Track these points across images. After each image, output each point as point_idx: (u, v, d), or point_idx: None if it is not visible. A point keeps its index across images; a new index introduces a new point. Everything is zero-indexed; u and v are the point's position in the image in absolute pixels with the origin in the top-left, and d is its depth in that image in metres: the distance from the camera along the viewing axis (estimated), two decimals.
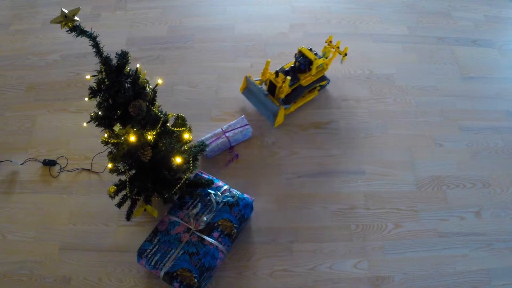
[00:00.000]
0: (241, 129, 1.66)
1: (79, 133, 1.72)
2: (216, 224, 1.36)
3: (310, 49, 1.67)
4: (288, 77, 1.57)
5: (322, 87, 1.83)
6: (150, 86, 1.13)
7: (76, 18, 0.91)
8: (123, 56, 1.02)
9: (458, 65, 1.96)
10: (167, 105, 1.80)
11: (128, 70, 1.05)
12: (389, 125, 1.76)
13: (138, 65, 1.08)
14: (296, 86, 1.68)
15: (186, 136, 1.29)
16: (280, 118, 1.69)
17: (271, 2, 2.19)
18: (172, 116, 1.26)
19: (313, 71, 1.66)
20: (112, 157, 1.18)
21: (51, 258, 1.44)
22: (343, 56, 1.70)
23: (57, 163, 1.64)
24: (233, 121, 1.69)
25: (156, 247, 1.32)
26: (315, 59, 1.62)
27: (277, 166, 1.64)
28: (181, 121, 1.30)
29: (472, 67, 1.96)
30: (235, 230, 1.36)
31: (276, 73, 1.64)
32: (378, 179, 1.62)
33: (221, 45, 2.01)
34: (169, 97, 1.83)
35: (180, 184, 1.30)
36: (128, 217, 1.36)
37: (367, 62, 1.96)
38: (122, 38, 2.04)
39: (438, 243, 1.48)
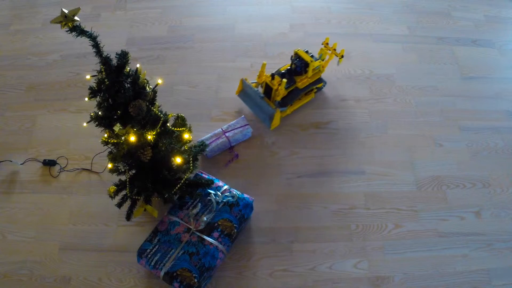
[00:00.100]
0: (241, 129, 1.66)
1: (79, 133, 1.72)
2: (216, 224, 1.36)
3: (306, 51, 1.67)
4: (284, 80, 1.57)
5: (319, 89, 1.82)
6: (150, 86, 1.13)
7: (76, 18, 0.91)
8: (123, 56, 1.02)
9: (458, 65, 1.96)
10: (167, 105, 1.80)
11: (128, 70, 1.05)
12: (389, 125, 1.76)
13: (138, 65, 1.08)
14: (292, 89, 1.68)
15: (186, 136, 1.29)
16: (276, 121, 1.69)
17: (271, 2, 2.19)
18: (172, 116, 1.26)
19: (310, 73, 1.66)
20: (112, 157, 1.18)
21: (51, 258, 1.44)
22: (340, 58, 1.69)
23: (57, 163, 1.65)
24: (233, 121, 1.69)
25: (156, 247, 1.32)
26: (312, 61, 1.62)
27: (277, 166, 1.64)
28: (181, 121, 1.30)
29: (472, 67, 1.96)
30: (235, 230, 1.36)
31: (272, 75, 1.63)
32: (378, 179, 1.62)
33: (221, 45, 2.01)
34: (169, 97, 1.83)
35: (180, 184, 1.30)
36: (128, 217, 1.36)
37: (367, 62, 1.96)
38: (122, 38, 2.04)
39: (438, 243, 1.48)
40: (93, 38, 0.94)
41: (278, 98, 1.64)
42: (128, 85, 1.04)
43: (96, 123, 1.09)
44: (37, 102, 1.82)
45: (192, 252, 1.30)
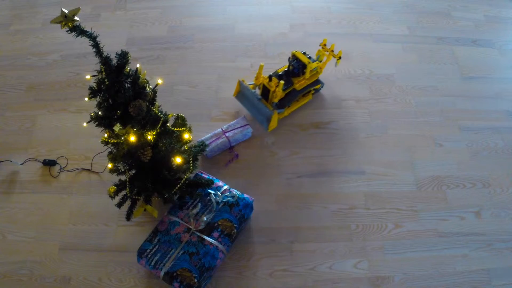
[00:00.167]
0: (241, 129, 1.66)
1: (79, 133, 1.72)
2: (216, 224, 1.36)
3: (304, 53, 1.66)
4: (282, 81, 1.56)
5: (317, 90, 1.82)
6: (150, 86, 1.13)
7: (76, 18, 0.91)
8: (123, 56, 1.02)
9: (458, 65, 1.96)
10: (167, 105, 1.80)
11: (128, 70, 1.05)
12: (389, 125, 1.76)
13: (138, 65, 1.08)
14: (290, 90, 1.67)
15: (186, 136, 1.29)
16: (273, 123, 1.68)
17: (271, 2, 2.19)
18: (172, 116, 1.26)
19: (307, 75, 1.65)
20: (112, 157, 1.18)
21: (51, 258, 1.44)
22: (338, 60, 1.69)
23: (57, 163, 1.65)
24: (233, 121, 1.69)
25: (156, 247, 1.32)
26: (309, 62, 1.61)
27: (277, 166, 1.64)
28: (181, 121, 1.30)
29: (472, 67, 1.96)
30: (235, 230, 1.36)
31: (270, 77, 1.63)
32: (378, 179, 1.62)
33: (221, 45, 2.01)
34: (169, 97, 1.83)
35: (180, 184, 1.30)
36: (128, 217, 1.36)
37: (367, 62, 1.96)
38: (122, 38, 2.04)
39: (438, 243, 1.48)
40: (93, 38, 0.94)
41: (276, 100, 1.63)
42: (128, 85, 1.04)
43: (96, 123, 1.09)
44: (37, 102, 1.82)
45: (192, 252, 1.30)
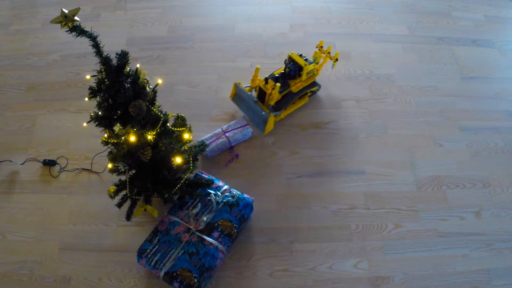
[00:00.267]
0: (241, 129, 1.66)
1: (79, 133, 1.72)
2: (216, 224, 1.36)
3: (300, 55, 1.66)
4: (278, 84, 1.55)
5: (313, 93, 1.81)
6: (150, 86, 1.13)
7: (76, 18, 0.91)
8: (123, 56, 1.02)
9: (458, 65, 1.96)
10: (167, 105, 1.80)
11: (128, 70, 1.05)
12: (389, 125, 1.76)
13: (138, 65, 1.08)
14: (286, 93, 1.67)
15: (186, 136, 1.29)
16: (270, 125, 1.67)
17: (271, 2, 2.19)
18: (172, 116, 1.26)
19: (304, 77, 1.64)
20: (112, 157, 1.18)
21: (51, 258, 1.44)
22: (334, 62, 1.68)
23: (57, 163, 1.65)
24: (233, 121, 1.69)
25: (156, 247, 1.32)
26: (305, 65, 1.60)
27: (277, 166, 1.64)
28: (181, 121, 1.30)
29: (472, 67, 1.96)
30: (235, 230, 1.36)
31: (266, 79, 1.62)
32: (378, 179, 1.62)
33: (221, 45, 2.01)
34: (169, 97, 1.83)
35: (180, 184, 1.30)
36: (128, 217, 1.36)
37: (367, 62, 1.96)
38: (122, 38, 2.04)
39: (438, 243, 1.48)
40: (93, 38, 0.94)
41: (272, 102, 1.63)
42: (128, 85, 1.04)
43: (96, 123, 1.09)
44: (37, 102, 1.82)
45: (192, 252, 1.30)
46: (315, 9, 2.17)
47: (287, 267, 1.42)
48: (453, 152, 1.69)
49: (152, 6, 2.17)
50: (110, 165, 1.22)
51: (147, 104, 1.10)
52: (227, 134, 1.64)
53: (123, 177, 1.29)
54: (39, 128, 1.74)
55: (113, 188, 1.28)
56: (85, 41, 2.03)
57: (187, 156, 1.31)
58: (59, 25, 2.09)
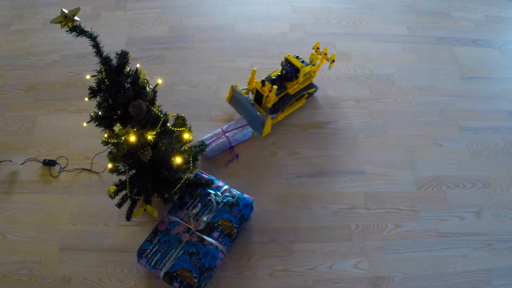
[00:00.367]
0: (241, 129, 1.66)
1: (79, 133, 1.72)
2: (216, 224, 1.36)
3: (297, 57, 1.65)
4: (275, 86, 1.54)
5: (310, 94, 1.81)
6: (150, 86, 1.13)
7: (76, 18, 0.91)
8: (123, 56, 1.02)
9: (458, 65, 1.96)
10: (167, 105, 1.80)
11: (128, 70, 1.05)
12: (389, 125, 1.76)
13: (138, 65, 1.08)
14: (283, 95, 1.66)
15: (186, 136, 1.29)
16: (267, 128, 1.67)
17: (271, 2, 2.19)
18: (172, 116, 1.26)
19: (300, 79, 1.64)
20: (112, 157, 1.18)
21: (51, 258, 1.44)
22: (331, 63, 1.68)
23: (57, 163, 1.65)
24: (233, 121, 1.69)
25: (156, 247, 1.32)
26: (302, 66, 1.60)
27: (277, 166, 1.64)
28: (181, 121, 1.30)
29: (472, 67, 1.96)
30: (235, 230, 1.36)
31: (263, 82, 1.62)
32: (378, 179, 1.62)
33: (221, 45, 2.01)
34: (169, 97, 1.83)
35: (180, 184, 1.30)
36: (128, 217, 1.36)
37: (367, 62, 1.96)
38: (122, 38, 2.04)
39: (438, 243, 1.48)
40: (93, 38, 0.94)
41: (269, 105, 1.62)
42: (128, 85, 1.04)
43: (96, 123, 1.09)
44: (37, 102, 1.82)
45: (192, 252, 1.30)
46: (315, 9, 2.17)
47: (287, 267, 1.42)
48: (453, 152, 1.69)
49: (152, 6, 2.17)
50: (110, 165, 1.22)
51: (147, 104, 1.10)
52: (227, 134, 1.64)
53: (123, 177, 1.29)
54: (39, 128, 1.74)
55: (113, 188, 1.28)
56: (85, 41, 2.03)
57: (187, 156, 1.31)
58: (59, 25, 2.09)
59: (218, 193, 1.42)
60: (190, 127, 1.32)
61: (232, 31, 2.06)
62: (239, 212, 1.39)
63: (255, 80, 1.66)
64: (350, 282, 1.39)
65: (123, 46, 2.01)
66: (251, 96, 1.75)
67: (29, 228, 1.50)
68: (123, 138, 1.11)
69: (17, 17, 2.15)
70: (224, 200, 1.41)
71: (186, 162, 1.31)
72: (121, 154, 1.16)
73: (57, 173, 1.62)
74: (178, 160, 1.25)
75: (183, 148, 1.31)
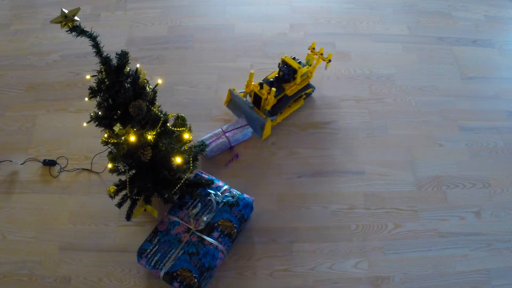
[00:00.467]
0: (241, 129, 1.66)
1: (79, 133, 1.72)
2: (216, 224, 1.36)
3: (294, 58, 1.65)
4: (273, 89, 1.54)
5: (308, 95, 1.81)
6: (150, 86, 1.13)
7: (76, 18, 0.91)
8: (123, 56, 1.02)
9: (458, 65, 1.96)
10: (167, 105, 1.80)
11: (128, 70, 1.05)
12: (389, 125, 1.76)
13: (138, 65, 1.08)
14: (281, 97, 1.66)
15: (186, 136, 1.29)
16: (267, 131, 1.67)
17: (271, 2, 2.19)
18: (172, 116, 1.26)
19: (298, 80, 1.63)
20: (112, 157, 1.18)
21: (51, 258, 1.44)
22: (327, 62, 1.67)
23: (57, 163, 1.65)
24: (233, 121, 1.69)
25: (156, 247, 1.32)
26: (299, 67, 1.60)
27: (277, 166, 1.64)
28: (181, 121, 1.30)
29: (472, 67, 1.96)
30: (235, 230, 1.36)
31: (261, 84, 1.61)
32: (378, 179, 1.62)
33: (221, 45, 2.01)
34: (169, 97, 1.83)
35: (180, 184, 1.30)
36: (128, 217, 1.36)
37: (367, 62, 1.96)
38: (122, 38, 2.04)
39: (438, 243, 1.48)
40: (93, 38, 0.94)
41: (268, 107, 1.62)
42: (128, 85, 1.04)
43: (96, 123, 1.09)
44: (37, 102, 1.82)
45: (192, 252, 1.30)
46: (315, 9, 2.17)
47: (287, 267, 1.42)
48: (453, 152, 1.69)
49: (152, 6, 2.17)
50: (110, 165, 1.22)
51: (147, 104, 1.10)
52: (227, 134, 1.64)
53: (123, 177, 1.29)
54: (39, 128, 1.74)
55: (113, 188, 1.28)
56: (85, 41, 2.03)
57: (187, 156, 1.31)
58: (59, 25, 2.08)
59: (218, 193, 1.42)
60: (190, 127, 1.32)
61: (232, 31, 2.06)
62: (239, 212, 1.39)
63: (252, 83, 1.65)
64: (350, 282, 1.39)
65: (123, 46, 2.01)
66: (249, 99, 1.74)
67: (29, 228, 1.50)
68: (123, 138, 1.11)
69: (17, 17, 2.15)
70: (224, 200, 1.41)
71: (186, 162, 1.31)
72: (121, 154, 1.16)
73: (57, 173, 1.62)
74: (178, 160, 1.25)
75: (183, 148, 1.31)
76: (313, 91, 1.81)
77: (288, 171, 1.63)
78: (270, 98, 1.57)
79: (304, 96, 1.79)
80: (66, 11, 0.90)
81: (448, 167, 1.65)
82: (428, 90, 1.87)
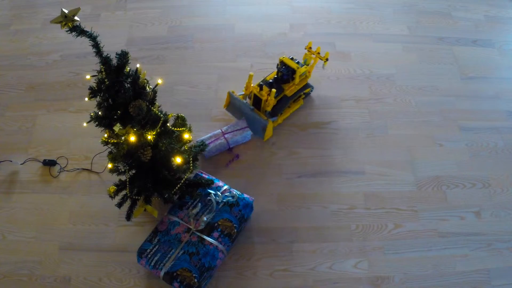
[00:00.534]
0: (240, 131, 1.65)
1: (79, 133, 1.72)
2: (216, 224, 1.36)
3: (292, 58, 1.65)
4: (274, 90, 1.54)
5: (307, 94, 1.81)
6: (150, 86, 1.13)
7: (76, 18, 0.91)
8: (123, 56, 1.02)
9: (458, 65, 1.97)
10: (167, 105, 1.80)
11: (128, 70, 1.05)
12: (389, 125, 1.76)
13: (138, 65, 1.08)
14: (281, 97, 1.66)
15: (186, 136, 1.29)
16: (269, 132, 1.66)
17: (271, 2, 2.19)
18: (172, 116, 1.26)
19: (297, 80, 1.63)
20: (112, 157, 1.18)
21: (51, 258, 1.44)
22: (325, 62, 1.67)
23: (57, 163, 1.65)
24: (233, 123, 1.69)
25: (156, 247, 1.32)
26: (298, 67, 1.60)
27: (277, 166, 1.64)
28: (181, 121, 1.30)
29: (472, 67, 1.96)
30: (235, 230, 1.36)
31: (260, 86, 1.61)
32: (378, 179, 1.62)
33: (221, 45, 2.01)
34: (169, 97, 1.83)
35: (180, 184, 1.30)
36: (128, 217, 1.36)
37: (367, 62, 1.96)
38: (122, 38, 2.04)
39: (438, 243, 1.48)
40: (93, 38, 0.94)
41: (269, 108, 1.62)
42: (128, 85, 1.04)
43: (96, 123, 1.09)
44: (37, 102, 1.82)
45: (192, 252, 1.30)
46: (315, 9, 2.17)
47: (287, 267, 1.42)
48: (453, 152, 1.69)
49: (152, 6, 2.17)
50: (110, 165, 1.22)
51: (147, 104, 1.10)
52: (226, 136, 1.64)
53: (123, 177, 1.29)
54: (39, 128, 1.74)
55: (113, 188, 1.28)
56: (85, 41, 2.03)
57: (187, 156, 1.31)
58: (59, 25, 2.09)
59: (218, 193, 1.42)
60: (190, 127, 1.32)
61: (232, 31, 2.06)
62: (239, 212, 1.39)
63: (252, 85, 1.66)
64: (350, 282, 1.39)
65: (123, 46, 2.01)
66: (248, 101, 1.74)
67: (29, 228, 1.50)
68: (123, 138, 1.11)
69: (17, 17, 2.15)
70: (224, 200, 1.41)
71: (186, 162, 1.31)
72: (121, 154, 1.16)
73: (57, 173, 1.62)
74: (178, 160, 1.25)
75: (183, 148, 1.31)
76: (311, 91, 1.81)
77: (288, 171, 1.63)
78: (270, 99, 1.57)
79: (303, 96, 1.79)
80: (66, 11, 0.90)
81: (448, 167, 1.65)
82: (428, 90, 1.87)
